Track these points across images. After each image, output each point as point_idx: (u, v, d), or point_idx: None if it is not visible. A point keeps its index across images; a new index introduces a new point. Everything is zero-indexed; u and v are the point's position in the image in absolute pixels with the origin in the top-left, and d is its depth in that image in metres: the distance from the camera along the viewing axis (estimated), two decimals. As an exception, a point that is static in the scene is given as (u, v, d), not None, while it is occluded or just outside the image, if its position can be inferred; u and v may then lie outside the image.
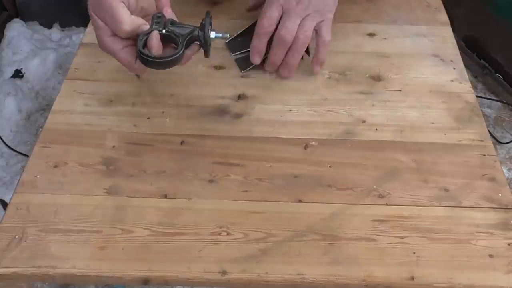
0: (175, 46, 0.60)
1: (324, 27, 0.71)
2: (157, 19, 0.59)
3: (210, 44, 0.61)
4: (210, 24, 0.61)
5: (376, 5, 0.90)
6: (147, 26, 0.58)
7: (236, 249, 0.57)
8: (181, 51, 0.59)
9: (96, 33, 0.60)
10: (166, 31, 0.59)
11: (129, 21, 0.57)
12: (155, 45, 0.58)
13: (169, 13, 0.61)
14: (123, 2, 0.58)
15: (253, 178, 0.63)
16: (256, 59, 0.73)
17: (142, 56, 0.57)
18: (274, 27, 0.70)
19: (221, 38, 0.63)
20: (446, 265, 0.56)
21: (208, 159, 0.65)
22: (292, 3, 0.70)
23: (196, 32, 0.60)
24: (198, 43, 0.61)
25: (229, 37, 0.67)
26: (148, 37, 0.58)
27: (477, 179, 0.64)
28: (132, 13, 0.58)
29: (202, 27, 0.61)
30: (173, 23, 0.60)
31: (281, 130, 0.69)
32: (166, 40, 0.59)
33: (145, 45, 0.58)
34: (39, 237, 0.57)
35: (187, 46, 0.60)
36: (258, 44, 0.72)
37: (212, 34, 0.62)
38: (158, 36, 0.58)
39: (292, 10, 0.70)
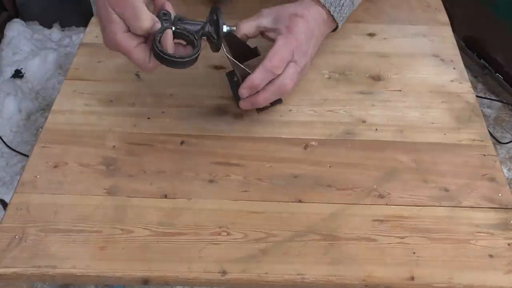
0: (185, 43, 0.59)
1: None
2: (164, 16, 0.58)
3: (222, 39, 0.60)
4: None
5: (376, 5, 0.90)
6: (159, 24, 0.57)
7: (236, 249, 0.57)
8: (199, 50, 0.58)
9: (107, 29, 0.56)
10: (177, 29, 0.58)
11: (149, 18, 0.55)
12: (170, 43, 0.56)
13: (170, 8, 0.59)
14: None
15: (253, 178, 0.63)
16: (246, 93, 0.64)
17: (162, 55, 0.56)
18: (282, 70, 0.64)
19: (231, 31, 0.62)
20: (446, 265, 0.56)
21: (208, 159, 0.65)
22: (300, 53, 0.65)
23: (207, 28, 0.59)
24: (205, 38, 0.60)
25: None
26: (162, 35, 0.56)
27: (477, 179, 0.64)
28: None
29: (214, 22, 0.59)
30: (180, 19, 0.59)
31: (281, 130, 0.69)
32: (177, 37, 0.58)
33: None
34: (39, 237, 0.57)
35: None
36: (258, 80, 0.63)
37: (225, 28, 0.60)
38: (172, 34, 0.57)
39: (298, 61, 0.65)
